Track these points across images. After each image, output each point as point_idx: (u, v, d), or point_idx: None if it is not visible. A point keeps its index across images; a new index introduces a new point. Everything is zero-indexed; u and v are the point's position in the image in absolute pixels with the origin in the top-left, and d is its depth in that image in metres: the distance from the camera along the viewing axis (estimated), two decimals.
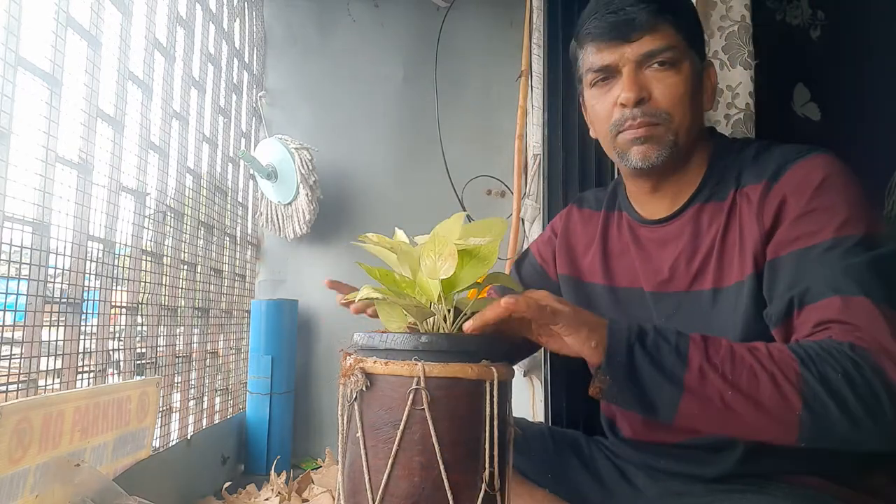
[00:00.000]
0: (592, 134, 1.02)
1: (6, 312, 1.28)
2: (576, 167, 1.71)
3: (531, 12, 2.09)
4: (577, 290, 1.09)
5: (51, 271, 1.37)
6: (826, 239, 0.79)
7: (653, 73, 0.89)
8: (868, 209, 0.82)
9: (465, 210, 2.64)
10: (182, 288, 2.07)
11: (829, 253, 0.78)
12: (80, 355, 1.48)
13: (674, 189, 0.96)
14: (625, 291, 1.02)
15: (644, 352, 0.72)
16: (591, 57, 0.93)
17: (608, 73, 0.92)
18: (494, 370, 0.70)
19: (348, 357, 0.73)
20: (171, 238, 1.98)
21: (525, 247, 2.04)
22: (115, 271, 1.64)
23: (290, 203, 2.66)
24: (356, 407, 0.71)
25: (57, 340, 1.41)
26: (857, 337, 0.72)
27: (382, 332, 0.74)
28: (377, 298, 0.77)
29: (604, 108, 0.93)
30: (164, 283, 1.93)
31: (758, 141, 0.96)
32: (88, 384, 1.52)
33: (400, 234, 0.83)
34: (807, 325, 0.77)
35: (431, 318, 0.76)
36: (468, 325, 0.72)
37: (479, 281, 0.77)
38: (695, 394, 0.71)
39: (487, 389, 0.69)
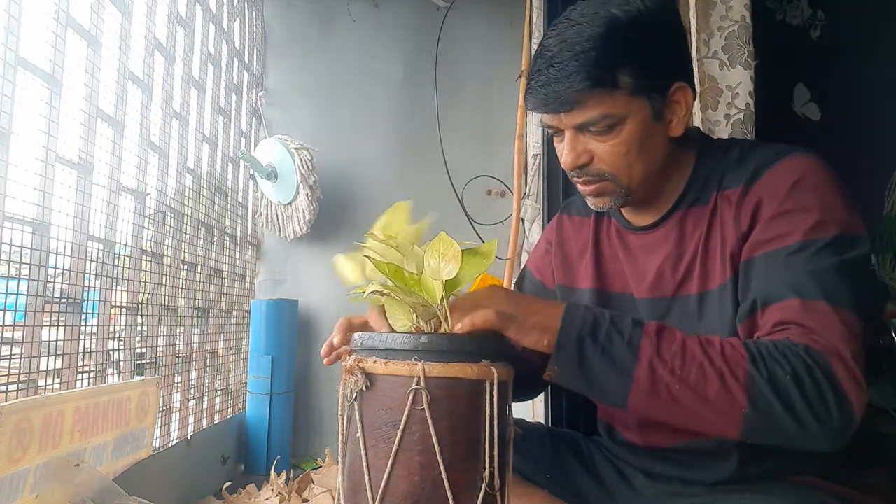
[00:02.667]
0: None
1: (6, 312, 1.28)
2: None
3: (531, 12, 2.09)
4: (571, 298, 1.09)
5: (51, 271, 1.37)
6: (795, 241, 0.79)
7: (592, 136, 0.88)
8: (843, 211, 0.81)
9: (465, 210, 2.65)
10: (182, 288, 2.07)
11: (796, 255, 0.79)
12: (80, 355, 1.48)
13: (656, 201, 0.97)
14: (616, 297, 1.03)
15: (595, 345, 0.75)
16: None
17: (555, 130, 0.92)
18: (494, 370, 0.70)
19: (348, 357, 0.73)
20: (171, 238, 1.98)
21: (524, 247, 2.04)
22: (115, 271, 1.64)
23: (290, 203, 2.66)
24: (356, 407, 0.71)
25: (57, 340, 1.41)
26: (813, 339, 0.73)
27: (383, 332, 0.74)
28: (384, 294, 0.77)
29: (559, 156, 0.94)
30: (164, 283, 1.93)
31: (742, 142, 0.95)
32: (88, 384, 1.52)
33: (404, 206, 0.83)
34: (767, 324, 0.78)
35: (433, 320, 0.76)
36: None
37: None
38: (643, 387, 0.73)
39: (487, 389, 0.69)
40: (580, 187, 0.95)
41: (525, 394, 1.10)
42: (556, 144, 0.95)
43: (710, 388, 0.71)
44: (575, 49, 0.84)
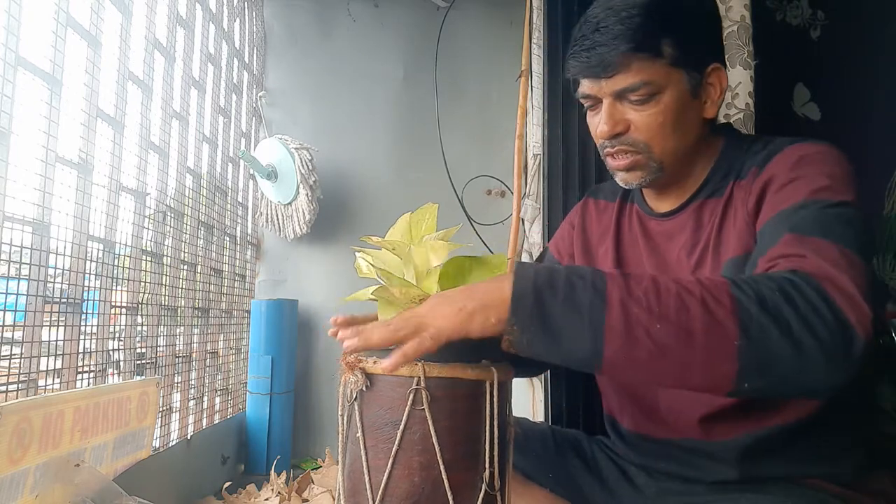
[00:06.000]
0: None
1: (6, 312, 1.28)
2: (576, 167, 1.71)
3: (531, 12, 2.09)
4: None
5: (51, 271, 1.37)
6: (800, 199, 0.78)
7: (630, 105, 0.89)
8: (851, 187, 0.80)
9: (464, 210, 2.64)
10: (182, 288, 2.07)
11: (799, 209, 0.77)
12: (80, 355, 1.48)
13: (679, 187, 0.98)
14: None
15: (554, 294, 0.65)
16: (579, 84, 0.94)
17: (593, 101, 0.93)
18: (494, 370, 0.70)
19: (349, 357, 0.73)
20: (171, 238, 1.98)
21: (525, 247, 2.04)
22: (115, 271, 1.64)
23: (290, 203, 2.66)
24: (356, 407, 0.71)
25: (57, 340, 1.41)
26: (800, 265, 0.68)
27: None
28: (378, 298, 0.77)
29: (593, 129, 0.95)
30: (164, 283, 1.93)
31: (768, 136, 0.95)
32: (88, 384, 1.52)
33: (401, 222, 0.82)
34: (763, 265, 0.74)
35: None
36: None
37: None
38: (617, 332, 0.63)
39: (487, 390, 0.70)
40: (612, 162, 0.94)
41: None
42: (590, 118, 0.95)
43: (695, 319, 0.63)
44: (621, 14, 0.86)
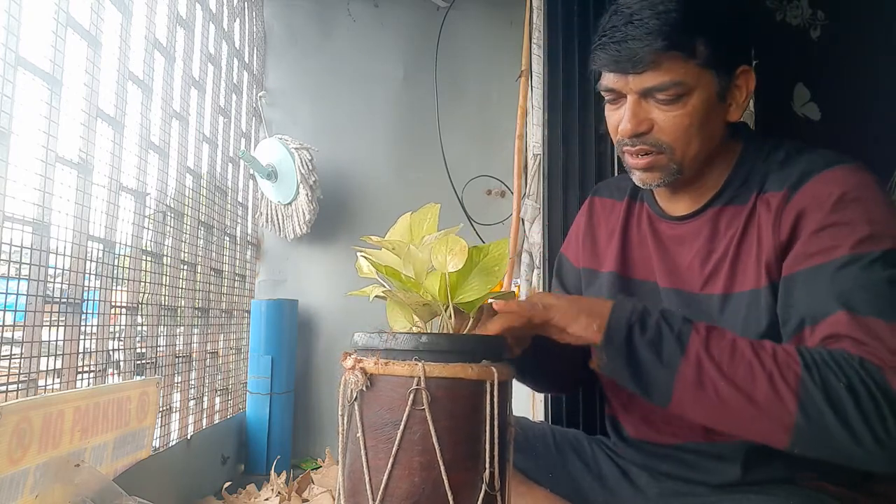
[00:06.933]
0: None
1: (6, 312, 1.28)
2: (576, 167, 1.71)
3: (531, 12, 2.09)
4: (593, 281, 1.08)
5: (51, 271, 1.37)
6: (842, 255, 0.77)
7: (656, 104, 0.86)
8: (893, 225, 0.79)
9: (464, 210, 2.64)
10: (182, 288, 2.07)
11: (843, 270, 0.76)
12: (80, 355, 1.48)
13: (695, 190, 0.95)
14: (638, 283, 1.01)
15: (643, 335, 0.75)
16: (602, 76, 0.91)
17: (616, 95, 0.90)
18: (495, 370, 0.70)
19: (348, 357, 0.73)
20: (171, 238, 1.99)
21: (524, 247, 2.04)
22: (115, 271, 1.64)
23: (290, 203, 2.66)
24: (356, 407, 0.71)
25: (57, 340, 1.41)
26: (868, 352, 0.70)
27: (383, 332, 0.74)
28: (384, 297, 0.77)
29: (612, 124, 0.92)
30: (164, 283, 1.93)
31: (790, 144, 0.92)
32: (88, 384, 1.52)
33: (402, 222, 0.82)
34: (815, 339, 0.76)
35: (435, 319, 0.76)
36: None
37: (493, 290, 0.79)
38: (688, 383, 0.72)
39: (488, 389, 0.69)
40: (631, 160, 0.91)
41: (559, 388, 1.19)
42: (609, 112, 0.92)
43: (759, 389, 0.70)
44: (657, 8, 0.83)
